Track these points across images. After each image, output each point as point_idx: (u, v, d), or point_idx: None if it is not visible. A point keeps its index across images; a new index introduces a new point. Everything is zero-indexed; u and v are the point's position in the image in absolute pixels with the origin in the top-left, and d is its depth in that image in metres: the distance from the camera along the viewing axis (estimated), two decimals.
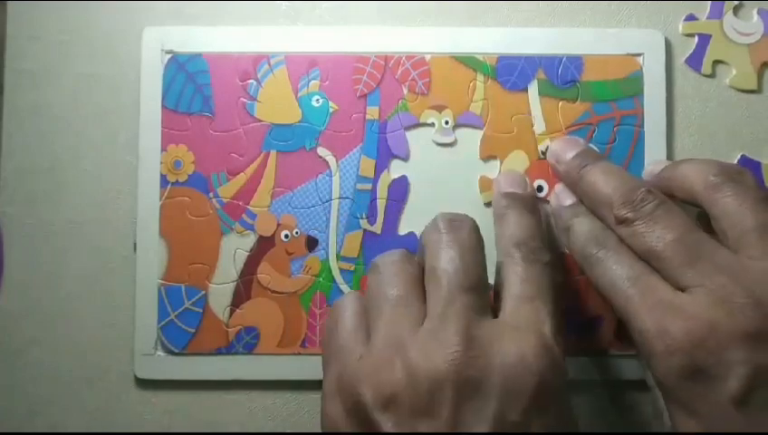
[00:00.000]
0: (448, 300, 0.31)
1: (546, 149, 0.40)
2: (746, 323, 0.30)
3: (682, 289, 0.32)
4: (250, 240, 0.40)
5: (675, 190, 0.35)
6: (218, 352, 0.40)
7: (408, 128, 0.41)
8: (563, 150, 0.39)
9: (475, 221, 0.35)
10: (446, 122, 0.41)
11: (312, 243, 0.40)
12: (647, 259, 0.33)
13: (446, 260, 0.32)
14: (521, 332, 0.31)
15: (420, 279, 0.34)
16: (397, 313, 0.32)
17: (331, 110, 0.41)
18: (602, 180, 0.36)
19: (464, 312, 0.31)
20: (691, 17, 0.42)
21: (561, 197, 0.39)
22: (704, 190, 0.34)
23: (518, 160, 0.40)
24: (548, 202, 0.40)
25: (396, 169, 0.41)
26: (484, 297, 0.32)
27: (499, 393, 0.29)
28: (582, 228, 0.36)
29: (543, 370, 0.30)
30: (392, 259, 0.34)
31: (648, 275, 0.33)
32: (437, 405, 0.29)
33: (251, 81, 0.41)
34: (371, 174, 0.40)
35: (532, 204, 0.37)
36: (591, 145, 0.40)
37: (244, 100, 0.41)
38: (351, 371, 0.31)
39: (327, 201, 0.40)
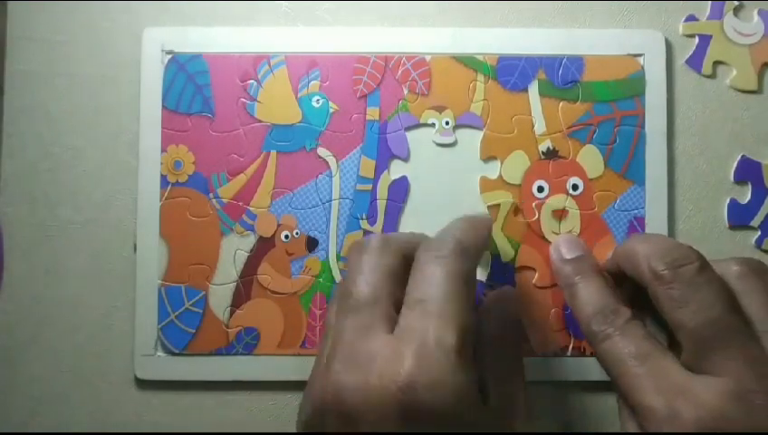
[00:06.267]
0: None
1: (547, 150, 0.40)
2: (764, 424, 0.29)
3: (699, 371, 0.30)
4: (250, 241, 0.40)
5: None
6: (218, 353, 0.40)
7: (409, 128, 0.41)
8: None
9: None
10: (447, 123, 0.41)
11: (312, 243, 0.40)
12: (672, 327, 0.32)
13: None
14: None
15: (398, 272, 0.33)
16: (357, 320, 0.31)
17: (331, 110, 0.41)
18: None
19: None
20: (691, 18, 0.42)
21: (562, 249, 0.38)
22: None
23: (518, 161, 0.40)
24: (547, 203, 0.40)
25: (396, 170, 0.41)
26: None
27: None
28: (588, 298, 0.35)
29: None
30: (371, 247, 0.33)
31: (658, 355, 0.32)
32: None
33: (251, 81, 0.41)
34: (371, 174, 0.40)
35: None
36: (593, 145, 0.40)
37: (245, 100, 0.41)
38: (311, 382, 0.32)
39: (327, 202, 0.40)
